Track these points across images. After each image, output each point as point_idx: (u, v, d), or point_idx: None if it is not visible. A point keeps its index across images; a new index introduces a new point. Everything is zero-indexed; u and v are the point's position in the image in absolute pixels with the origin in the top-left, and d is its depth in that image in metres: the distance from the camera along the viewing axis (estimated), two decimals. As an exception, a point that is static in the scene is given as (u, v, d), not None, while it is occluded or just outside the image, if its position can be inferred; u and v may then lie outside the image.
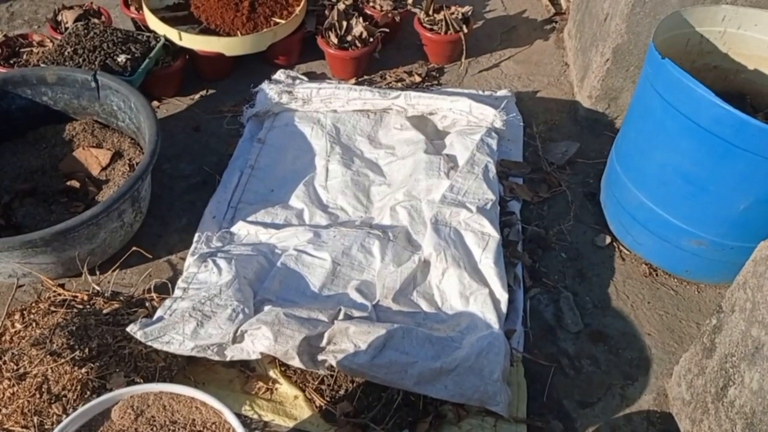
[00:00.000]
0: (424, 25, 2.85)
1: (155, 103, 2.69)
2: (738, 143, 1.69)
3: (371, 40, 2.76)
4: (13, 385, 1.63)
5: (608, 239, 2.23)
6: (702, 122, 1.73)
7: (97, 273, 2.04)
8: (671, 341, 1.99)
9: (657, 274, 2.15)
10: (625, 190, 2.09)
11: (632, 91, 2.36)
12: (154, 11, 2.70)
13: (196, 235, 2.13)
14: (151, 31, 2.69)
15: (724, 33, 2.03)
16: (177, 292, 1.93)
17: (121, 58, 2.46)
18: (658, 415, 1.83)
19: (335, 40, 2.74)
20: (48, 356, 1.67)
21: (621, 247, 2.22)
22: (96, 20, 2.75)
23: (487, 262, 1.98)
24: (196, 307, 1.80)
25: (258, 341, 1.72)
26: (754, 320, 1.45)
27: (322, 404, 1.76)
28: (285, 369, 1.83)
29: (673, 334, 2.01)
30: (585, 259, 2.19)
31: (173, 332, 1.74)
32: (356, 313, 1.84)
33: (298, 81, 2.69)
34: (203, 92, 2.77)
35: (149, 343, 1.72)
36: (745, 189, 1.78)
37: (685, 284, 2.13)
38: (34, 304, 1.89)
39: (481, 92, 2.68)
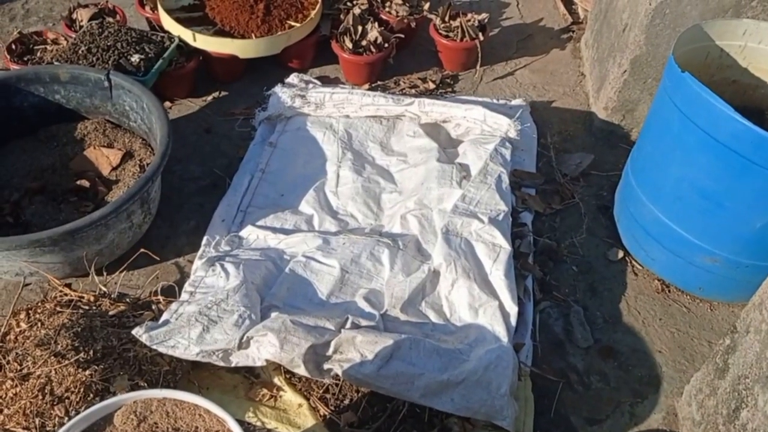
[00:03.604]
0: (440, 31, 2.83)
1: (167, 103, 2.68)
2: (756, 160, 1.66)
3: (386, 45, 2.75)
4: (16, 386, 1.62)
5: (621, 253, 2.20)
6: (720, 137, 1.71)
7: (104, 274, 2.03)
8: (682, 359, 1.96)
9: (669, 291, 2.12)
10: (639, 204, 2.06)
11: (649, 104, 2.34)
12: (168, 11, 2.70)
13: (205, 238, 2.12)
14: (165, 32, 2.68)
15: (744, 47, 2.00)
16: (184, 296, 1.91)
17: (135, 58, 2.45)
18: (668, 435, 1.80)
19: (350, 45, 2.72)
20: (52, 357, 1.65)
21: (633, 262, 2.19)
22: (111, 19, 2.75)
23: (497, 274, 1.95)
24: (203, 312, 1.78)
25: (264, 348, 1.71)
26: (770, 342, 1.42)
27: (327, 413, 1.74)
28: (290, 376, 1.81)
29: (684, 352, 1.98)
30: (597, 273, 2.17)
31: (179, 336, 1.72)
32: (364, 323, 1.82)
33: (311, 85, 2.68)
34: (216, 94, 2.76)
35: (154, 347, 1.71)
36: (763, 206, 1.75)
37: (697, 301, 2.10)
38: (40, 304, 1.88)
39: (495, 101, 2.66)
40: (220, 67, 2.74)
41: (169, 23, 2.66)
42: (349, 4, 2.88)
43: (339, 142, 2.43)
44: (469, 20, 2.81)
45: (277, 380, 1.81)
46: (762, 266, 1.85)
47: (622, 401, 1.87)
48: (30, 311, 1.84)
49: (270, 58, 2.75)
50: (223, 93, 2.77)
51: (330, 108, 2.53)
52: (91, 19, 2.72)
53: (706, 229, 1.90)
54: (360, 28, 2.75)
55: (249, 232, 2.14)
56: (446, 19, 2.85)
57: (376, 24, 2.77)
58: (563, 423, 1.82)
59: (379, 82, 2.82)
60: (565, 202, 2.35)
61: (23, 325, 1.79)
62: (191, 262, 2.10)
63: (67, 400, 1.61)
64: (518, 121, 2.42)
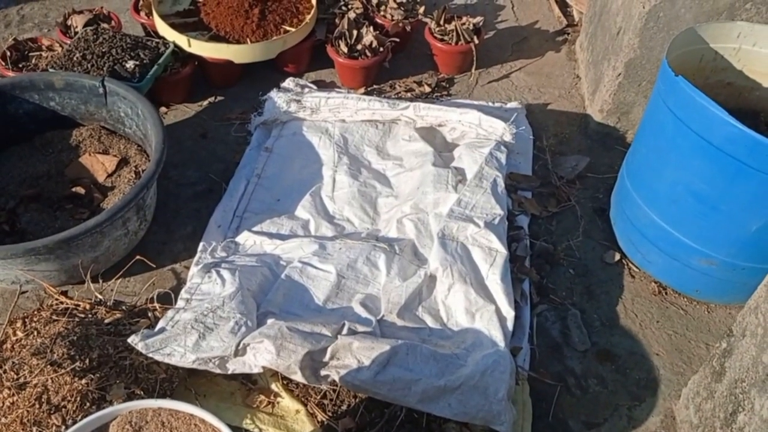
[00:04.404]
0: (435, 35, 2.83)
1: (163, 109, 2.68)
2: (751, 163, 1.66)
3: (381, 49, 2.75)
4: (13, 395, 1.62)
5: (617, 256, 2.20)
6: (715, 141, 1.71)
7: (100, 281, 2.03)
8: (680, 362, 1.96)
9: (666, 293, 2.12)
10: (635, 207, 2.06)
11: (644, 106, 2.34)
12: (163, 17, 2.69)
13: (201, 244, 2.12)
14: (160, 37, 2.68)
15: (738, 50, 2.00)
16: (180, 303, 1.91)
17: (130, 64, 2.45)
18: (666, 438, 1.80)
19: (345, 49, 2.72)
20: (48, 366, 1.65)
21: (630, 265, 2.19)
22: (106, 25, 2.74)
23: (493, 278, 1.95)
24: (199, 319, 1.78)
25: (260, 355, 1.70)
26: (766, 346, 1.42)
27: (324, 419, 1.74)
28: (287, 382, 1.81)
29: (681, 354, 1.98)
30: (593, 275, 2.17)
31: (175, 344, 1.72)
32: (360, 328, 1.82)
33: (306, 90, 2.68)
34: (211, 99, 2.76)
35: (150, 355, 1.70)
36: (758, 209, 1.75)
37: (694, 304, 2.10)
38: (36, 312, 1.87)
39: (491, 104, 2.66)
40: (215, 73, 2.74)
41: (164, 29, 2.66)
42: (344, 8, 2.88)
43: (335, 146, 2.43)
44: (464, 23, 2.81)
45: (275, 387, 1.81)
46: (758, 268, 1.85)
47: (619, 404, 1.87)
48: (26, 320, 1.84)
49: (265, 63, 2.75)
50: (219, 98, 2.77)
51: (326, 112, 2.52)
52: (86, 25, 2.72)
53: (702, 232, 1.90)
54: (355, 32, 2.75)
55: (245, 238, 2.14)
56: (441, 22, 2.85)
57: (372, 28, 2.77)
58: (561, 427, 1.81)
59: (374, 86, 2.82)
60: (561, 205, 2.35)
61: (20, 334, 1.78)
62: (188, 268, 2.09)
63: (63, 409, 1.60)
64: (513, 124, 2.42)
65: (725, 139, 1.68)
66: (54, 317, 1.83)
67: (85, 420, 1.34)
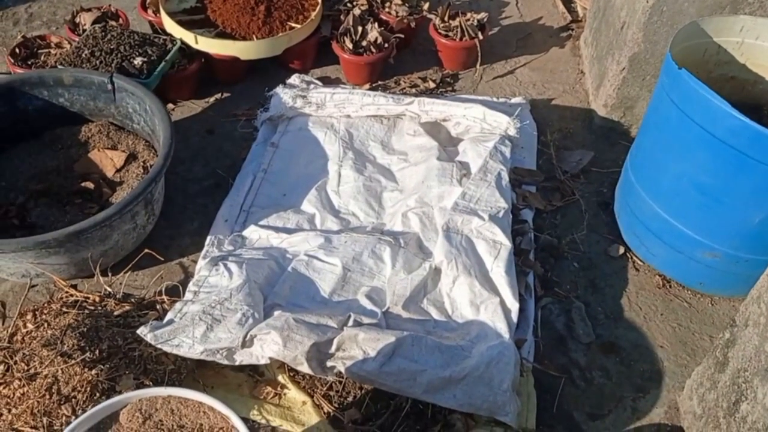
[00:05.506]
0: (440, 31, 2.85)
1: (170, 105, 2.70)
2: (754, 155, 1.67)
3: (386, 45, 2.76)
4: (24, 386, 1.64)
5: (621, 249, 2.22)
6: (718, 133, 1.72)
7: (110, 274, 2.05)
8: (684, 354, 1.97)
9: (670, 286, 2.13)
10: (639, 200, 2.07)
11: (648, 101, 2.35)
12: (170, 14, 2.72)
13: (208, 238, 2.14)
14: (167, 34, 2.70)
15: (741, 43, 2.01)
16: (188, 296, 1.93)
17: (138, 61, 2.47)
18: (669, 429, 1.81)
19: (350, 46, 2.74)
20: (59, 357, 1.67)
21: (634, 258, 2.20)
22: (113, 23, 2.77)
23: (498, 271, 1.97)
24: (207, 311, 1.80)
25: (267, 346, 1.72)
26: (768, 335, 1.43)
27: (330, 411, 1.76)
28: (294, 374, 1.83)
29: (685, 346, 1.99)
30: (598, 269, 2.18)
31: (183, 335, 1.74)
32: (366, 320, 1.84)
33: (312, 86, 2.70)
34: (218, 95, 2.78)
35: (159, 346, 1.72)
36: (761, 201, 1.76)
37: (698, 296, 2.11)
38: (46, 305, 1.90)
39: (495, 99, 2.67)
40: (222, 69, 2.76)
41: (171, 26, 2.68)
42: (349, 5, 2.90)
43: (340, 141, 2.44)
44: (469, 19, 2.83)
45: (281, 378, 1.83)
46: (762, 260, 1.86)
47: (624, 396, 1.88)
48: (36, 312, 1.86)
49: (271, 60, 2.77)
50: (226, 94, 2.79)
51: (331, 108, 2.54)
52: (94, 22, 2.75)
53: (706, 225, 1.91)
54: (360, 28, 2.77)
55: (252, 232, 2.16)
56: (446, 18, 2.86)
57: (376, 24, 2.79)
58: (566, 418, 1.83)
59: (379, 82, 2.84)
60: (565, 199, 2.37)
61: (30, 326, 1.81)
62: (195, 261, 2.12)
63: (73, 399, 1.62)
64: (517, 118, 2.44)
65: (728, 132, 1.69)
66: (64, 309, 1.86)
67: (96, 408, 1.36)
